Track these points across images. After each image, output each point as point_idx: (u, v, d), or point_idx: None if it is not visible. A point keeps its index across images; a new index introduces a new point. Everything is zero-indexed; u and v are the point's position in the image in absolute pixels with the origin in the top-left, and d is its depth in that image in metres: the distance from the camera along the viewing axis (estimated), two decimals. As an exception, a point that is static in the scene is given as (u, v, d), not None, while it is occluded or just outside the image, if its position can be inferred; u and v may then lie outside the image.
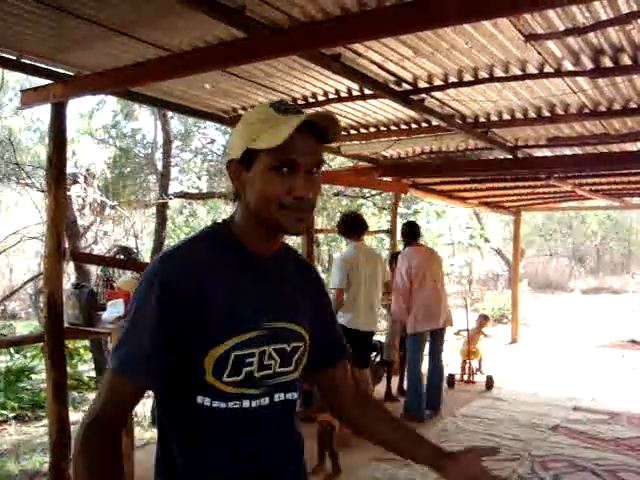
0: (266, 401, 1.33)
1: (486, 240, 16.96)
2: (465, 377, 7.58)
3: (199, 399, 1.29)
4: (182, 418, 1.32)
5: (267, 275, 1.39)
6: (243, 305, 1.31)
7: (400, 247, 7.20)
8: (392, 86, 4.42)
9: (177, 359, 1.26)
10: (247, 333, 1.30)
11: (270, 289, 1.38)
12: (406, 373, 6.21)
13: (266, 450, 1.34)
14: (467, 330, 7.86)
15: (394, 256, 7.22)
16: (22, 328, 12.19)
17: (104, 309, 4.46)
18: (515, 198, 10.36)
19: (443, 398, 6.33)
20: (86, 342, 8.71)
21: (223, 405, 1.29)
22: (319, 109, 5.02)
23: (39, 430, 6.03)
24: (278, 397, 1.36)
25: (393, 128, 5.79)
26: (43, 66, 4.10)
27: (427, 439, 1.50)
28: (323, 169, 1.38)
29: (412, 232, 6.18)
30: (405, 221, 6.82)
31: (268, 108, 1.32)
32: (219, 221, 1.44)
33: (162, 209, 10.81)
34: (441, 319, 5.99)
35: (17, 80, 11.76)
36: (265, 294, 1.36)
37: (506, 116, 5.19)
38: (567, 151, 6.49)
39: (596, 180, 8.09)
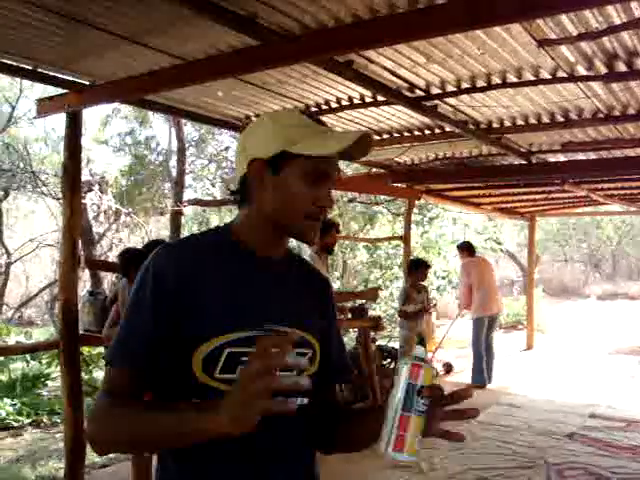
0: None
1: (499, 244, 16.81)
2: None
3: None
4: None
5: (269, 277, 1.35)
6: (240, 303, 1.28)
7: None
8: (405, 92, 4.42)
9: (170, 356, 1.23)
10: (244, 331, 1.25)
11: (273, 291, 1.34)
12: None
13: (264, 456, 1.28)
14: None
15: (412, 264, 7.24)
16: (38, 334, 12.30)
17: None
18: (529, 204, 10.30)
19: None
20: (101, 349, 8.74)
21: None
22: (332, 116, 5.04)
23: (55, 436, 6.06)
24: None
25: (406, 134, 5.79)
26: (58, 75, 4.15)
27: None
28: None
29: (470, 249, 8.49)
30: (464, 240, 9.57)
31: (300, 115, 1.32)
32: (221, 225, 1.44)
33: (176, 216, 10.86)
34: (495, 308, 8.12)
35: (33, 90, 11.91)
36: (266, 295, 1.32)
37: (520, 122, 5.17)
38: (581, 156, 6.46)
39: (611, 185, 8.04)
